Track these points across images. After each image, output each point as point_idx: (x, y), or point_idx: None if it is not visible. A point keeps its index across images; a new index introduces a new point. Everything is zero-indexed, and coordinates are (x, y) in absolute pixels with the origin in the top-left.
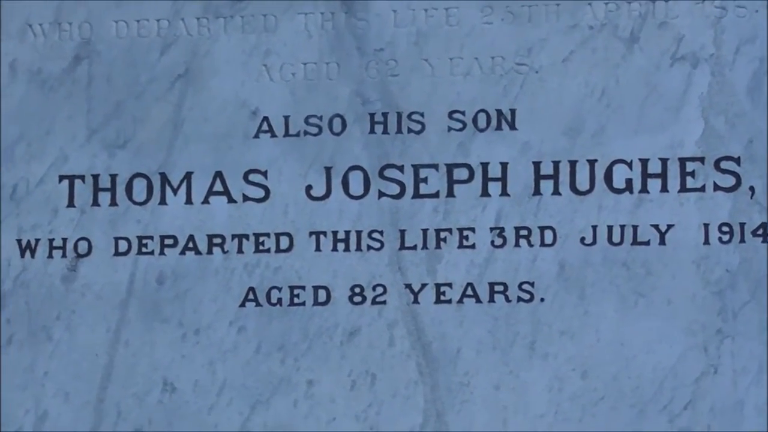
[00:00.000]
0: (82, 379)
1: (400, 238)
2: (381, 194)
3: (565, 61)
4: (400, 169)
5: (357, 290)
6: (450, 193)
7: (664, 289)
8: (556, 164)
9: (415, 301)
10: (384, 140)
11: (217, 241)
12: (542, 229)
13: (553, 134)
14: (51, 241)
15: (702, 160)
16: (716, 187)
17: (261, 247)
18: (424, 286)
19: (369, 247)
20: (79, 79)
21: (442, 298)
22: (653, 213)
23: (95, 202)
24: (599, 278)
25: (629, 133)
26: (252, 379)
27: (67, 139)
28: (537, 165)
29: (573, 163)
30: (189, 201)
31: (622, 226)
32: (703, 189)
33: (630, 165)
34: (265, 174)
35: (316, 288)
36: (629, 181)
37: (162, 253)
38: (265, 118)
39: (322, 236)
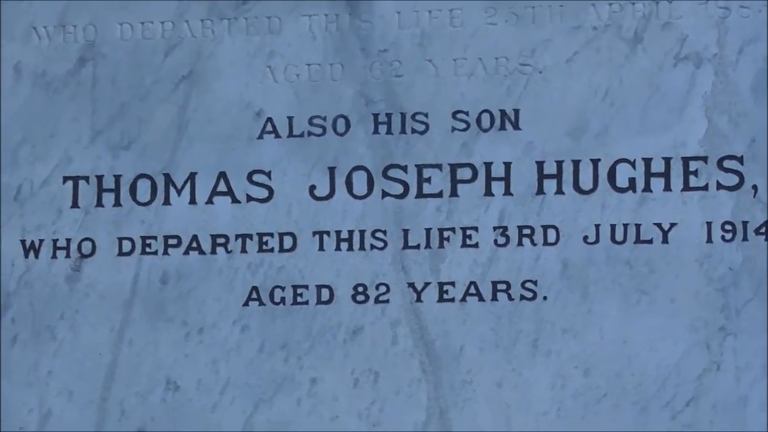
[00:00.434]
0: (85, 378)
1: (404, 238)
2: (384, 194)
3: (568, 62)
4: (404, 169)
5: (360, 289)
6: (453, 193)
7: (667, 287)
8: (559, 164)
9: (418, 299)
10: (388, 140)
11: (221, 241)
12: (545, 228)
13: (557, 134)
14: (55, 241)
15: (705, 159)
16: (719, 186)
17: (264, 247)
18: (427, 284)
19: (372, 247)
20: (84, 81)
21: (445, 296)
22: (656, 212)
23: (99, 203)
24: (602, 276)
25: (633, 133)
26: (255, 377)
27: (71, 141)
28: (540, 165)
29: (576, 163)
30: (193, 201)
31: (625, 225)
32: (706, 188)
33: (633, 164)
34: (268, 174)
35: (319, 287)
36: (632, 180)
37: (166, 253)
38: (269, 119)
39: (325, 236)
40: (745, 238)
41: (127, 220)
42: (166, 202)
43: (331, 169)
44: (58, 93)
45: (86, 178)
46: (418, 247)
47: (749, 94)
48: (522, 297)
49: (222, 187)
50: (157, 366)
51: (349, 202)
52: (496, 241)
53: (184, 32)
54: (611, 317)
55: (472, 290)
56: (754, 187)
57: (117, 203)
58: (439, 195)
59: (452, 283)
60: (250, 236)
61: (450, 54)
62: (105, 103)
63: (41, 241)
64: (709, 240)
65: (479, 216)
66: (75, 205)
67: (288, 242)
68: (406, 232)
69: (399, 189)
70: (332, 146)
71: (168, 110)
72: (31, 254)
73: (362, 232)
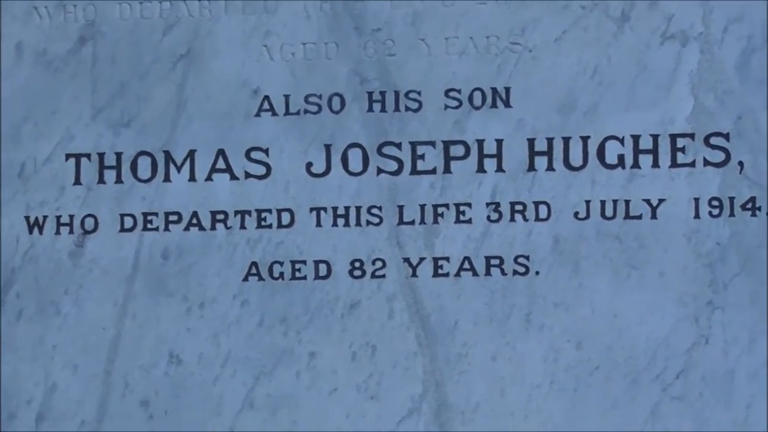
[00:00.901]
0: (90, 352)
1: (399, 214)
2: (380, 171)
3: (557, 41)
4: (398, 146)
5: (357, 264)
6: (447, 170)
7: (656, 262)
8: (549, 141)
9: (414, 274)
10: (382, 118)
11: (220, 217)
12: (537, 204)
13: (547, 111)
14: (58, 218)
15: (692, 136)
16: (706, 163)
17: (263, 223)
18: (422, 260)
19: (368, 223)
20: (84, 60)
21: (440, 271)
22: (645, 188)
23: (101, 180)
24: (593, 252)
25: (621, 110)
26: (255, 351)
27: (72, 119)
28: (531, 141)
29: (566, 140)
30: (192, 178)
31: (615, 201)
32: (693, 164)
33: (622, 141)
34: (266, 152)
35: (317, 262)
36: (621, 157)
37: (167, 229)
38: (266, 97)
39: (322, 212)
40: (731, 214)
41: (129, 197)
42: (167, 179)
43: (327, 147)
44: (59, 72)
45: (88, 156)
46: (412, 222)
47: (734, 72)
48: (515, 272)
49: (221, 164)
50: (159, 340)
51: (345, 179)
52: (488, 216)
53: (181, 12)
54: (602, 291)
55: (466, 265)
56: (740, 164)
57: (118, 180)
58: (433, 172)
59: (446, 258)
60: (249, 212)
61: (442, 33)
62: (105, 82)
63: (45, 217)
64: (697, 216)
65: (472, 192)
66: (77, 182)
67: (286, 218)
68: (400, 208)
69: (393, 166)
70: (328, 124)
71: (167, 88)
72: (36, 230)
73: (358, 209)
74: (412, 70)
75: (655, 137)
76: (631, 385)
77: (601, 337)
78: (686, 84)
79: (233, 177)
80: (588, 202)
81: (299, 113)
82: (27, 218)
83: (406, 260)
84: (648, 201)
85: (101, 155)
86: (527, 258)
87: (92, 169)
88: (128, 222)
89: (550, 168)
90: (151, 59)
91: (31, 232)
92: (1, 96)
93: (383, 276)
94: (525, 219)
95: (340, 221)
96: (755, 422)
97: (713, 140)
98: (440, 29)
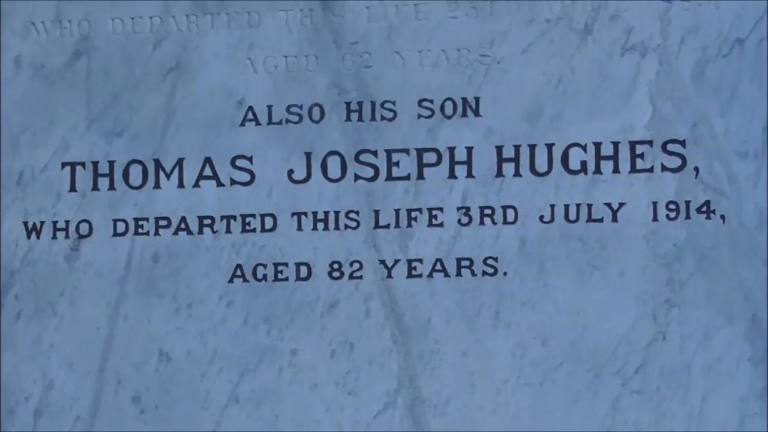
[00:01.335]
0: (84, 350)
1: (375, 218)
2: (357, 177)
3: (524, 52)
4: (374, 153)
5: (335, 266)
6: (420, 176)
7: (617, 263)
8: (516, 148)
9: (389, 275)
10: (359, 127)
11: (207, 222)
12: (504, 208)
13: (514, 120)
14: (55, 223)
15: (650, 143)
16: (663, 168)
17: (247, 227)
18: (396, 261)
19: (346, 226)
20: (79, 73)
21: (414, 272)
22: (606, 192)
23: (95, 187)
24: (557, 253)
25: (584, 119)
26: (240, 349)
27: (68, 129)
28: (499, 149)
29: (532, 147)
30: (181, 185)
31: (578, 205)
32: (651, 170)
33: (584, 148)
34: (250, 159)
35: (298, 264)
36: (584, 163)
37: (157, 233)
38: (250, 108)
39: (303, 216)
40: (687, 217)
41: (121, 203)
42: (157, 185)
43: (308, 154)
44: (56, 84)
45: (83, 164)
46: (388, 226)
47: (690, 81)
48: (484, 272)
49: (208, 171)
50: (150, 338)
51: (324, 185)
52: (459, 220)
53: (170, 27)
54: (566, 290)
55: (438, 267)
56: (696, 169)
57: (111, 187)
58: (407, 178)
59: (420, 260)
60: (234, 217)
61: (415, 46)
62: (99, 93)
63: (42, 223)
64: (655, 218)
65: (444, 197)
66: (73, 189)
67: (269, 223)
68: (377, 212)
69: (370, 172)
70: (308, 133)
71: (157, 99)
72: (33, 235)
73: (337, 213)
74: (387, 82)
75: (615, 144)
76: (594, 379)
77: (565, 334)
78: (645, 93)
79: (219, 184)
80: (552, 206)
81: (281, 123)
82: (25, 223)
83: (382, 262)
84: (609, 205)
85: (95, 163)
86: (496, 259)
87: (86, 176)
88: (120, 227)
89: (517, 174)
90: (142, 72)
91: (29, 236)
92: (1, 107)
93: (360, 277)
94: (494, 222)
95: (320, 225)
96: (710, 415)
97: (670, 147)
98: (414, 42)
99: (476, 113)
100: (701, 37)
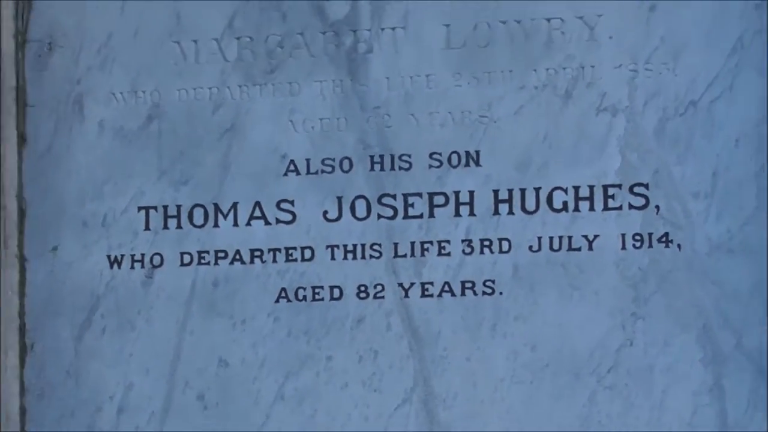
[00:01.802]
0: (158, 358)
1: (394, 249)
2: (379, 216)
3: (516, 113)
4: (393, 197)
5: (362, 288)
6: (431, 215)
7: (592, 284)
8: (510, 191)
9: (406, 296)
10: (381, 176)
11: (257, 254)
12: (500, 240)
13: (508, 169)
14: (132, 256)
15: (620, 186)
16: (630, 207)
17: (290, 258)
18: (412, 284)
19: (371, 256)
20: (152, 133)
21: (426, 293)
22: (583, 227)
23: (165, 226)
24: (544, 277)
25: (565, 167)
26: (285, 356)
27: (143, 179)
28: (496, 192)
29: (523, 190)
30: (236, 224)
31: (560, 237)
32: (620, 208)
33: (566, 191)
34: (292, 203)
35: (331, 287)
36: (565, 203)
37: (216, 263)
38: (292, 161)
39: (335, 248)
40: (650, 246)
41: (187, 240)
42: (216, 225)
43: (339, 198)
44: (133, 143)
45: (155, 208)
46: (405, 256)
47: (653, 136)
48: (484, 292)
49: (257, 213)
50: (211, 349)
51: (352, 223)
52: (463, 250)
53: (226, 95)
54: (551, 307)
55: (447, 288)
56: (657, 207)
57: (179, 226)
58: (420, 216)
59: (431, 283)
60: (279, 250)
61: (427, 109)
62: (168, 150)
63: (122, 256)
64: (623, 248)
65: (450, 232)
66: (147, 228)
67: (308, 254)
68: (396, 245)
69: (390, 212)
70: (339, 181)
71: (215, 155)
72: (115, 266)
73: (363, 246)
74: (404, 138)
75: (591, 187)
76: (574, 378)
77: (551, 342)
78: (615, 146)
79: (267, 223)
80: (540, 239)
81: (317, 173)
82: (108, 257)
83: (400, 285)
84: (586, 237)
85: (165, 207)
86: (493, 282)
87: (158, 218)
88: (186, 258)
89: (510, 212)
90: (203, 132)
91: (111, 267)
92: (88, 162)
93: (383, 297)
94: (491, 252)
95: (350, 255)
96: (669, 406)
97: (636, 189)
98: (426, 106)
99: (477, 163)
100: (662, 99)
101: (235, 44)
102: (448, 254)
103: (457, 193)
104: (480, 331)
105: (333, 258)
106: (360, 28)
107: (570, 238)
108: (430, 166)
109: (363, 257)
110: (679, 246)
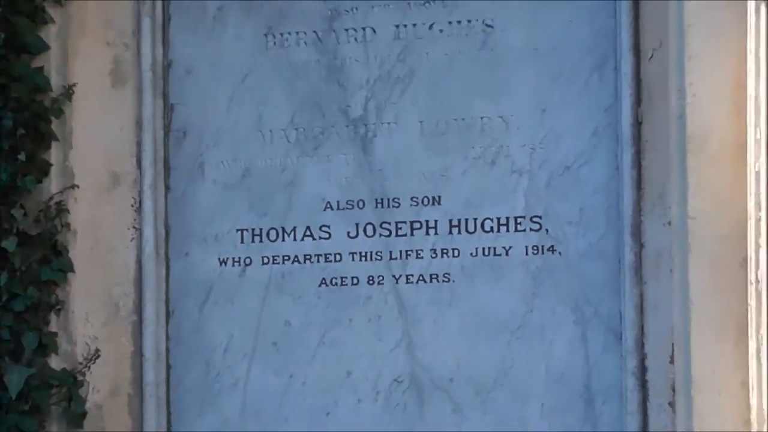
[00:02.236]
0: (248, 321)
1: (389, 255)
2: (380, 235)
3: (462, 174)
4: (389, 224)
5: (370, 278)
6: (412, 234)
7: (509, 277)
8: (459, 220)
9: (397, 283)
10: (382, 211)
11: (308, 257)
12: (453, 249)
13: (458, 207)
14: (233, 258)
15: (524, 217)
16: (530, 230)
17: (327, 260)
18: (401, 276)
19: (375, 259)
20: (245, 186)
21: (409, 281)
22: (503, 242)
23: (252, 241)
24: (480, 272)
25: (492, 206)
26: (324, 319)
27: (239, 213)
28: (450, 221)
29: (467, 219)
30: (294, 240)
31: (489, 248)
32: (525, 230)
33: (492, 220)
34: (329, 227)
35: (352, 278)
36: (492, 227)
37: (283, 263)
38: (328, 202)
39: (354, 254)
40: (543, 253)
41: (265, 249)
42: (283, 240)
43: (357, 224)
44: (233, 191)
45: (246, 230)
46: (396, 259)
47: (544, 187)
48: (443, 281)
49: (308, 233)
50: (280, 315)
51: (365, 239)
52: (431, 255)
53: (288, 163)
54: (485, 290)
55: (421, 278)
56: (546, 230)
57: (261, 241)
58: (405, 235)
59: (412, 275)
60: (321, 255)
61: (409, 171)
62: (255, 195)
63: (227, 259)
64: (527, 254)
65: (424, 244)
66: (242, 242)
67: (338, 257)
68: (390, 252)
69: (387, 233)
70: (357, 214)
71: (282, 198)
72: (222, 265)
73: (371, 252)
74: (395, 189)
75: (507, 218)
76: (497, 332)
77: (483, 311)
78: (521, 193)
79: (313, 239)
80: (477, 248)
81: (344, 209)
82: (218, 259)
83: (393, 276)
84: (504, 248)
85: (252, 229)
86: (449, 274)
87: (248, 236)
88: (265, 260)
89: (459, 233)
90: (275, 185)
91: (220, 266)
92: (206, 203)
93: (382, 284)
94: (448, 257)
95: (363, 258)
96: (555, 349)
97: (534, 219)
98: (409, 169)
99: (439, 203)
100: (549, 165)
101: (294, 132)
102: (422, 258)
103: (427, 221)
104: (441, 304)
105: (353, 260)
106: (369, 123)
107: (494, 248)
108: (411, 205)
109: (371, 260)
110: (560, 253)
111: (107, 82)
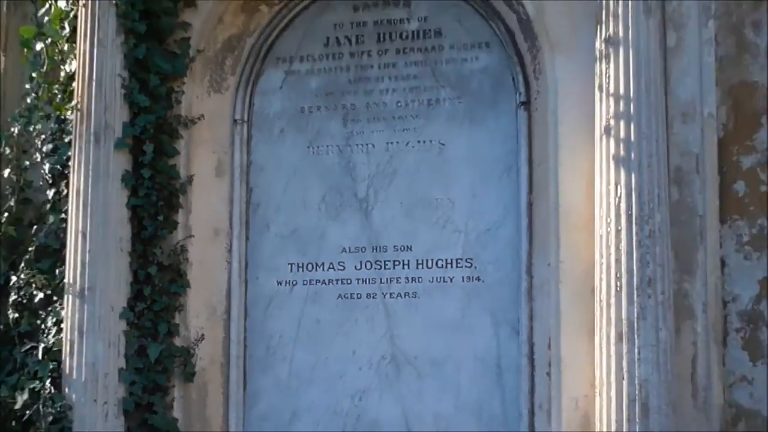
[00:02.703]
0: (292, 321)
1: (380, 281)
2: (376, 269)
3: (426, 234)
4: (382, 261)
5: (369, 295)
6: (394, 268)
7: (453, 296)
8: (425, 260)
9: (384, 298)
10: (377, 254)
11: (332, 281)
12: (419, 277)
13: (422, 252)
14: (286, 281)
15: (462, 258)
16: (465, 267)
17: (342, 283)
18: (389, 293)
19: (371, 283)
20: (293, 238)
21: (392, 297)
22: (449, 273)
23: (297, 270)
24: (436, 291)
25: (443, 251)
26: (340, 318)
27: (289, 255)
28: (418, 260)
29: (428, 260)
30: (323, 270)
31: (441, 277)
32: (462, 267)
33: (444, 260)
34: (344, 263)
35: (357, 294)
36: (443, 264)
37: (316, 284)
38: (344, 247)
39: (360, 280)
40: (472, 281)
41: (305, 275)
42: (315, 270)
43: (362, 261)
44: (285, 241)
45: (294, 264)
46: (385, 283)
47: (474, 241)
48: (413, 297)
49: (331, 267)
50: (313, 316)
51: (366, 271)
52: (406, 280)
53: (320, 224)
54: (438, 302)
55: (401, 296)
56: (476, 267)
57: (302, 270)
58: (391, 269)
59: (394, 293)
60: (339, 280)
61: (395, 231)
62: (299, 245)
63: (281, 281)
64: (463, 281)
65: (401, 275)
66: (291, 271)
67: (348, 282)
68: (380, 278)
69: (380, 267)
70: (361, 255)
71: (315, 246)
72: (278, 285)
73: (369, 279)
74: (385, 240)
75: (452, 259)
76: (446, 327)
77: (438, 315)
78: (461, 245)
79: (335, 270)
80: (434, 277)
81: (353, 252)
82: (276, 281)
83: (383, 294)
84: (450, 277)
85: (297, 263)
86: (417, 293)
87: (295, 267)
88: (305, 282)
89: (424, 268)
90: (309, 238)
91: (277, 286)
92: (270, 248)
93: (375, 298)
94: (417, 282)
95: (364, 283)
96: (478, 339)
97: (467, 260)
98: (395, 230)
99: (410, 250)
100: (477, 227)
101: (324, 206)
102: (400, 283)
103: (403, 260)
104: (412, 311)
105: (358, 283)
106: (369, 201)
107: (443, 277)
108: (394, 250)
109: (369, 283)
110: (483, 281)
111: (213, 173)
